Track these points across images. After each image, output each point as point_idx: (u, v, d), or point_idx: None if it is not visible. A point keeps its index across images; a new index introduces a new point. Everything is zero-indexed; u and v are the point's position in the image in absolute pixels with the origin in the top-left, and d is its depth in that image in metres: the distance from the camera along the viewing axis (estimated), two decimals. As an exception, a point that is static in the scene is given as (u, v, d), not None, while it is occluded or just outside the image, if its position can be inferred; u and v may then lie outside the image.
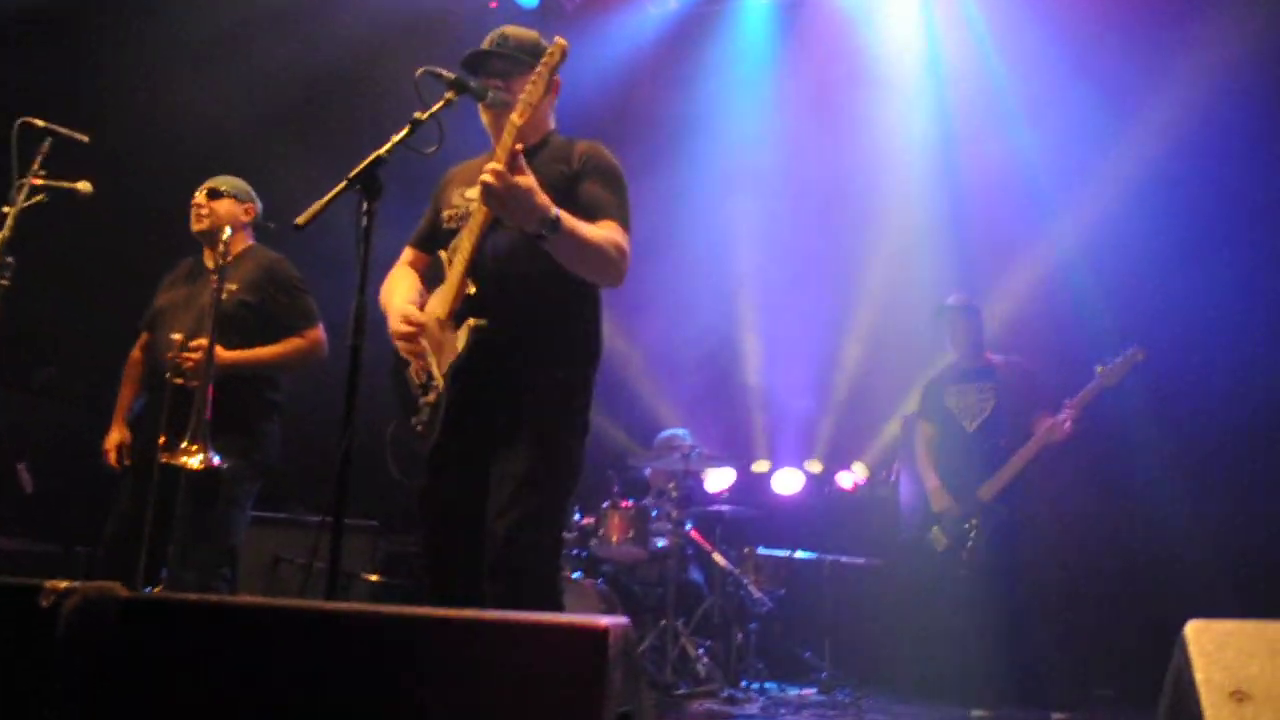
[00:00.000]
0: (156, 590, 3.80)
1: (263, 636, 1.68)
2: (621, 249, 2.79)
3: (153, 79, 6.45)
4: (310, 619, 1.65)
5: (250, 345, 3.99)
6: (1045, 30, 6.76)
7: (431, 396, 2.81)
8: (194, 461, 3.55)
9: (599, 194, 2.87)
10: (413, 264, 3.14)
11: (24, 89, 5.91)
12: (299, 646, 1.64)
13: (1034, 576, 5.05)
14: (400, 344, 2.86)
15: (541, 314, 2.83)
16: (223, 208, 4.16)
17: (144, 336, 4.27)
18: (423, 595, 2.99)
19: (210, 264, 4.05)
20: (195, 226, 4.15)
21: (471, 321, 2.71)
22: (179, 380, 3.75)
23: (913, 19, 7.34)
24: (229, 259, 3.88)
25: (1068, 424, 4.90)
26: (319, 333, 4.15)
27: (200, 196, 4.19)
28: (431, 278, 3.00)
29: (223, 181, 4.25)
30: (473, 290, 2.76)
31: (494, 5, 7.63)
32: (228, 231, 3.92)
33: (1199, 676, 1.59)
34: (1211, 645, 1.61)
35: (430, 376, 2.83)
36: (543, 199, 2.57)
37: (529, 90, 2.68)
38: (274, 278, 4.13)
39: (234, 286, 3.98)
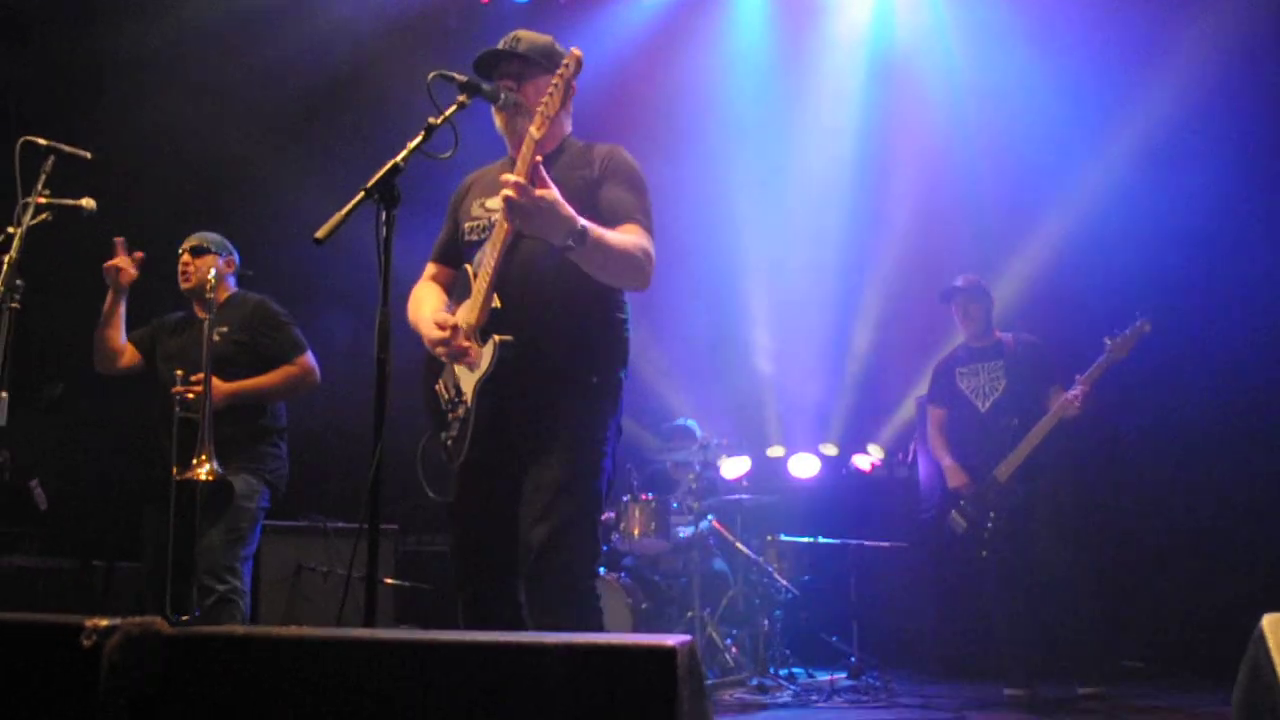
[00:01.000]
0: (185, 617, 3.85)
1: (314, 668, 1.63)
2: (648, 253, 2.75)
3: (154, 94, 6.42)
4: (365, 648, 1.60)
5: (246, 379, 4.26)
6: (1051, 7, 6.69)
7: (460, 412, 2.77)
8: (203, 472, 3.79)
9: (622, 197, 2.82)
10: (436, 278, 3.09)
11: (23, 104, 5.88)
12: (353, 677, 1.59)
13: (1056, 553, 5.00)
14: (440, 350, 2.79)
15: (570, 323, 2.78)
16: (207, 264, 4.37)
17: (130, 350, 4.49)
18: (448, 602, 2.95)
19: (200, 314, 4.32)
20: (184, 285, 4.39)
21: (496, 338, 2.67)
22: (185, 414, 3.99)
23: (911, 1, 7.26)
24: (218, 302, 4.24)
25: (1079, 399, 4.87)
26: (309, 360, 4.39)
27: (185, 255, 4.40)
28: (456, 291, 2.95)
29: (205, 239, 4.46)
30: (498, 304, 2.71)
31: (485, 2, 7.53)
32: (212, 275, 4.22)
33: (1280, 670, 1.55)
34: (1292, 638, 1.57)
35: (459, 391, 2.78)
36: (567, 211, 2.52)
37: (546, 102, 2.63)
38: (260, 317, 4.38)
39: (225, 329, 4.26)
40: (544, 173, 2.55)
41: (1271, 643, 1.58)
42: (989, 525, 5.05)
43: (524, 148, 2.64)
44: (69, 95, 6.20)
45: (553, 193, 2.51)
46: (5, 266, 3.39)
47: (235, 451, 4.10)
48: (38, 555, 5.82)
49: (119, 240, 4.31)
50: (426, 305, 2.94)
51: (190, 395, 3.99)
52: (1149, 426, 6.21)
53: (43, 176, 3.60)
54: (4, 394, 3.35)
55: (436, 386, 2.88)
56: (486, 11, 7.57)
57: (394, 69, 6.92)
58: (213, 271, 4.27)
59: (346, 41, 6.99)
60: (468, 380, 2.76)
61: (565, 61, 2.65)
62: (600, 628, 2.75)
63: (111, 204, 4.10)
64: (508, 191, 2.48)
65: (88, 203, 3.85)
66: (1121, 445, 6.28)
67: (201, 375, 3.99)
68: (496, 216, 2.76)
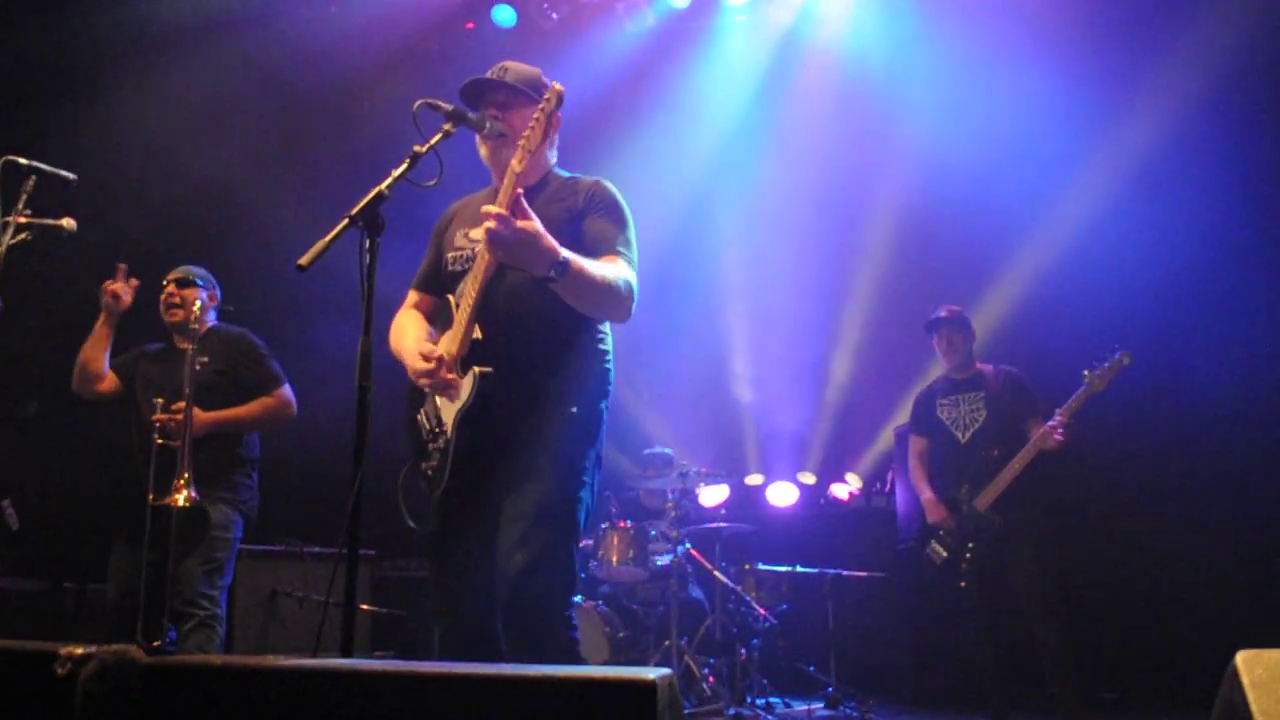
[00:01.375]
0: (156, 644, 3.84)
1: (292, 699, 1.62)
2: (630, 284, 2.76)
3: (140, 117, 6.41)
4: (343, 679, 1.59)
5: (225, 408, 4.31)
6: (1030, 28, 6.75)
7: (440, 442, 2.77)
8: (181, 498, 3.86)
9: (605, 229, 2.84)
10: (418, 306, 3.09)
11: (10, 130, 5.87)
12: (331, 708, 1.58)
13: (1036, 583, 5.00)
14: (424, 381, 2.78)
15: (551, 353, 2.79)
16: (192, 296, 4.42)
17: (112, 376, 4.53)
18: (424, 627, 2.94)
19: (181, 345, 4.35)
20: (171, 318, 4.42)
21: (476, 370, 2.67)
22: (162, 440, 4.06)
23: (891, 24, 7.31)
24: (200, 333, 4.26)
25: (1058, 431, 4.88)
26: (286, 392, 4.46)
27: (171, 286, 4.44)
28: (439, 320, 2.96)
29: (190, 272, 4.52)
30: (479, 335, 2.72)
31: (470, 26, 7.57)
32: (197, 307, 4.30)
33: (1254, 708, 1.56)
34: (1266, 676, 1.58)
35: (440, 422, 2.78)
36: (549, 242, 2.53)
37: (528, 136, 2.64)
38: (240, 349, 4.45)
39: (205, 359, 4.26)
40: (525, 204, 2.55)
41: (1245, 680, 1.59)
42: (968, 555, 5.06)
43: (505, 180, 2.65)
44: (54, 101, 6.19)
45: (534, 224, 2.52)
46: (-18, 285, 3.37)
47: (211, 481, 4.17)
48: (8, 576, 5.75)
49: (121, 266, 4.35)
50: (409, 334, 2.94)
51: (172, 424, 4.05)
52: (1128, 458, 6.25)
53: (24, 196, 3.57)
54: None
55: (418, 416, 2.88)
56: (471, 36, 7.61)
57: (381, 93, 6.95)
58: (198, 304, 4.34)
59: (336, 75, 7.01)
60: (448, 411, 2.75)
61: (547, 95, 2.67)
62: (576, 656, 2.73)
63: (90, 222, 4.10)
64: (489, 223, 2.49)
65: (68, 223, 3.83)
66: (1099, 477, 6.31)
67: (183, 404, 4.05)
68: (479, 247, 2.76)
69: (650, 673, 1.49)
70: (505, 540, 2.68)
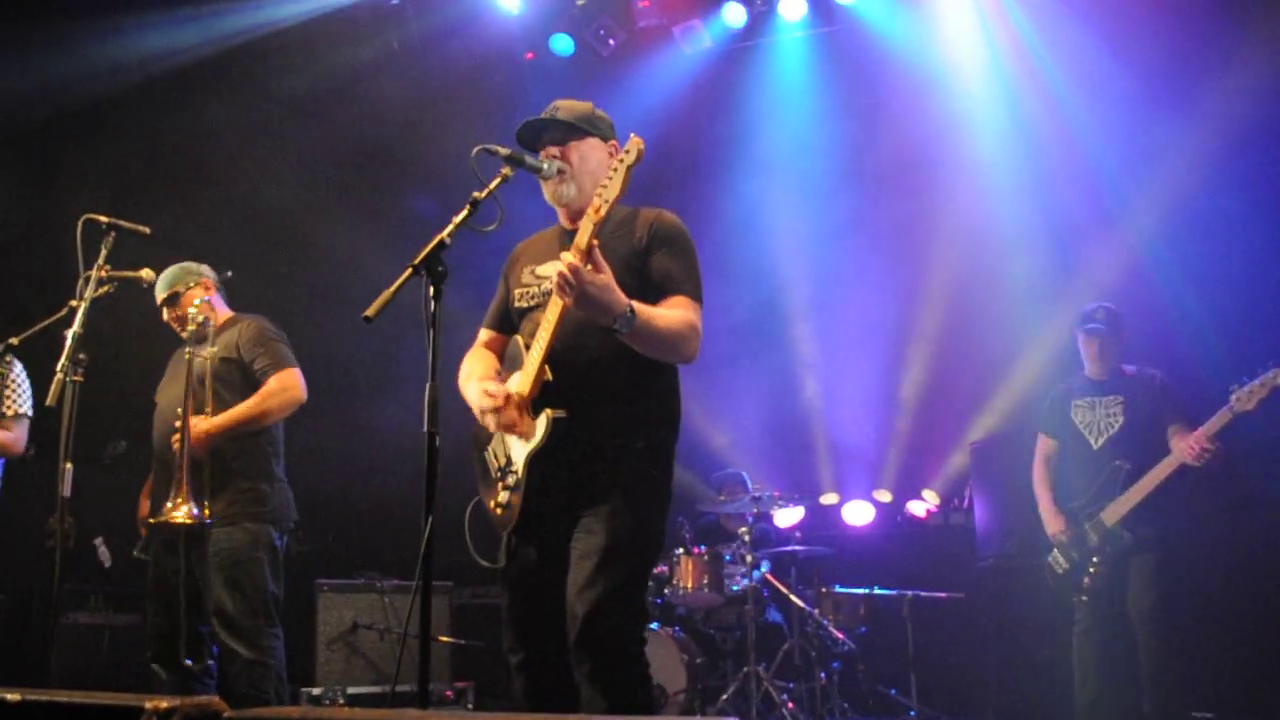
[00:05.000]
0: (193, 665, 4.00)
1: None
2: (695, 328, 2.79)
3: (207, 160, 6.59)
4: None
5: (240, 398, 4.10)
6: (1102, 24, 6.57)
7: (510, 481, 2.80)
8: (179, 515, 3.78)
9: (670, 267, 2.86)
10: (489, 345, 3.14)
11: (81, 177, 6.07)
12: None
13: (1158, 606, 4.70)
14: (489, 419, 2.81)
15: (619, 392, 2.80)
16: (186, 303, 4.23)
17: None
18: (502, 657, 2.96)
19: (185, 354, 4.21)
20: (183, 334, 4.15)
21: (550, 412, 2.70)
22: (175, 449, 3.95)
23: (963, 21, 7.18)
24: (216, 325, 4.20)
25: (1194, 453, 4.52)
26: (290, 375, 4.16)
27: (165, 310, 4.30)
28: (507, 358, 2.99)
29: (166, 285, 4.29)
30: (550, 377, 2.74)
31: (530, 57, 7.66)
32: (196, 306, 4.13)
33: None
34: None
35: (509, 460, 2.82)
36: (617, 296, 2.57)
37: (606, 185, 2.66)
38: (249, 335, 4.21)
39: (214, 349, 4.13)
40: (599, 256, 2.59)
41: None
42: (1091, 570, 4.83)
43: (583, 224, 2.67)
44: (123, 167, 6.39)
45: (605, 276, 2.57)
46: (69, 340, 3.50)
47: (227, 499, 3.99)
48: (103, 611, 5.93)
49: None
50: (476, 373, 2.98)
51: (176, 445, 3.90)
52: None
53: (104, 252, 3.71)
54: (69, 465, 3.42)
55: (485, 454, 2.92)
56: (531, 68, 7.70)
57: (448, 135, 7.03)
58: (194, 305, 4.15)
59: (397, 111, 7.12)
60: (519, 450, 2.79)
61: (627, 149, 2.68)
62: (648, 691, 2.74)
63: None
64: (563, 270, 2.53)
65: (147, 274, 4.02)
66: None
67: (197, 414, 3.95)
68: (548, 285, 2.81)
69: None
70: (574, 579, 2.71)
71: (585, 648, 2.65)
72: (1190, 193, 6.19)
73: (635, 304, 2.62)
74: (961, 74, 7.11)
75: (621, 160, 2.66)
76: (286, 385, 4.13)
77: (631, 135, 2.70)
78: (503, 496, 2.82)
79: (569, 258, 2.56)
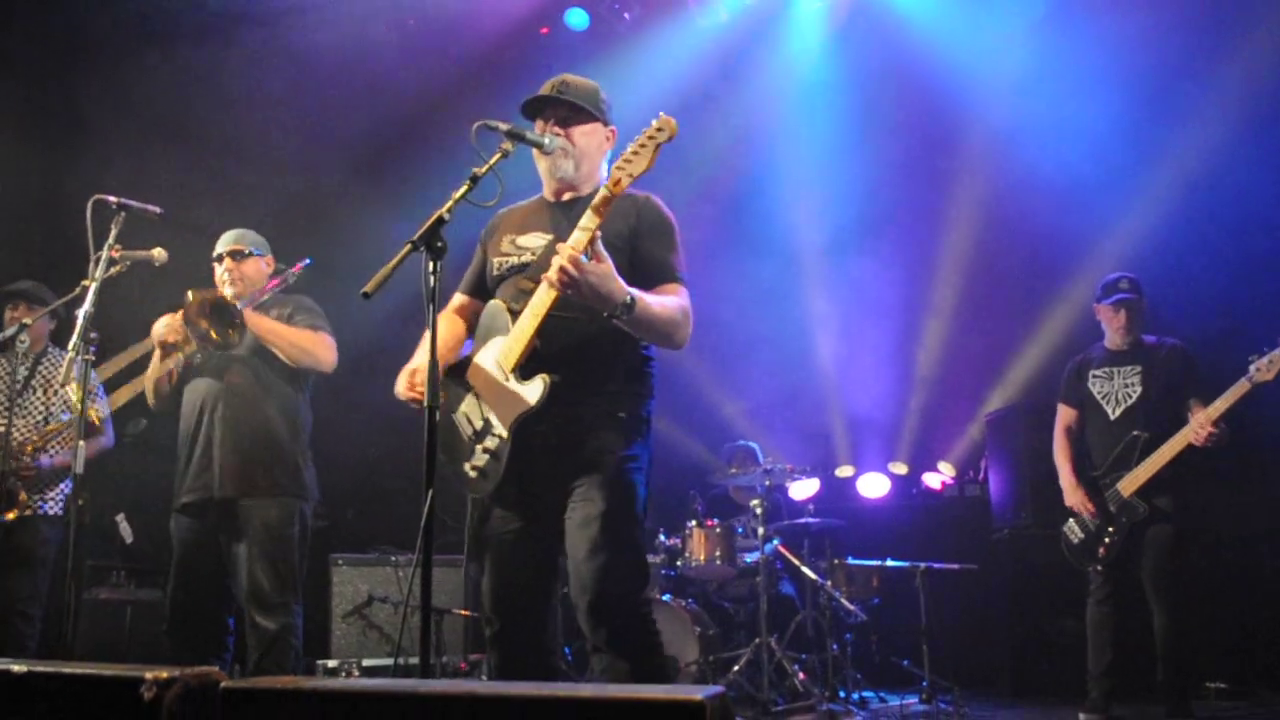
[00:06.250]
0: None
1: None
2: (687, 313, 2.83)
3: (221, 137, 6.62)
4: (411, 701, 1.64)
5: (280, 378, 4.18)
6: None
7: (491, 444, 2.79)
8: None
9: (659, 255, 2.90)
10: (459, 310, 3.15)
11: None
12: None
13: (1172, 576, 4.69)
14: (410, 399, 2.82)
15: (603, 365, 2.85)
16: (250, 267, 4.31)
17: None
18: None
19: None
20: (229, 291, 4.21)
21: (546, 377, 2.71)
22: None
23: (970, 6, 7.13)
24: (261, 298, 4.28)
25: (1200, 437, 4.57)
26: (329, 339, 4.25)
27: (228, 261, 4.28)
28: (482, 322, 2.98)
29: (244, 241, 4.34)
30: (538, 344, 2.76)
31: (545, 32, 7.64)
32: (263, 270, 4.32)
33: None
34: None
35: (488, 423, 2.81)
36: (618, 285, 2.59)
37: (633, 161, 2.68)
38: (294, 307, 4.29)
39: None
40: (601, 247, 2.61)
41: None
42: (1107, 540, 4.84)
43: (599, 198, 2.69)
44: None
45: (606, 266, 2.58)
46: (80, 319, 3.53)
47: (259, 479, 4.05)
48: (124, 587, 6.01)
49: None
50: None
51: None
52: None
53: (114, 231, 3.74)
54: (82, 443, 3.46)
55: (453, 417, 2.90)
56: (547, 40, 7.67)
57: (465, 112, 6.99)
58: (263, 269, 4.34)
59: (415, 89, 7.10)
60: (503, 412, 2.78)
61: (659, 126, 2.68)
62: (659, 654, 2.80)
63: (182, 249, 4.27)
64: (564, 262, 2.54)
65: (159, 253, 4.03)
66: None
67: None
68: (528, 256, 2.90)
69: (699, 692, 1.51)
70: (576, 548, 2.74)
71: (598, 614, 2.70)
72: (1210, 163, 6.15)
73: (635, 292, 2.64)
74: (980, 44, 7.01)
75: (652, 138, 2.69)
76: (328, 345, 4.22)
77: (661, 114, 2.71)
78: (481, 460, 2.80)
79: (568, 250, 2.57)
